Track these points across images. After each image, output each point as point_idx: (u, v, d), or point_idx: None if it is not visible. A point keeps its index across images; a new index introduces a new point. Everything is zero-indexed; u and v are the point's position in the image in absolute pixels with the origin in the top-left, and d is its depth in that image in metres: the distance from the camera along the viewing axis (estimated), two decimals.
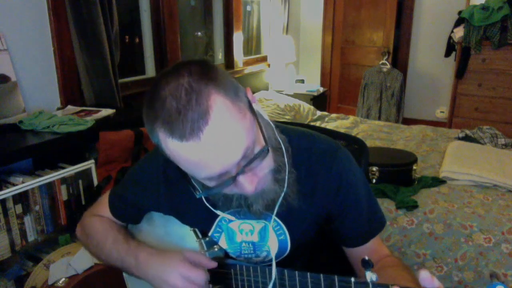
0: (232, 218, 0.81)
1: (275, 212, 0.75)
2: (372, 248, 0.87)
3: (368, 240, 0.87)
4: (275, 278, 0.73)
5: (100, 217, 0.97)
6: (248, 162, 0.64)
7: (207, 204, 0.78)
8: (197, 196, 0.69)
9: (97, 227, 0.93)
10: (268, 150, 0.66)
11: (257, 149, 0.66)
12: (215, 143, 0.60)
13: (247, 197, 0.72)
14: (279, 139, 0.75)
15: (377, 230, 0.88)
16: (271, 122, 0.75)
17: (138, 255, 0.84)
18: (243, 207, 0.74)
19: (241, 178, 0.65)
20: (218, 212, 0.78)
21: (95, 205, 1.00)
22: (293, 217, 0.83)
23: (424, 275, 0.57)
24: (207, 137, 0.59)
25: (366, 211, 0.86)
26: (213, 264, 0.80)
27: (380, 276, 0.78)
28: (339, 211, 0.84)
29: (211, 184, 0.68)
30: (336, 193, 0.82)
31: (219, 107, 0.60)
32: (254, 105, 0.70)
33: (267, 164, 0.69)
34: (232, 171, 0.64)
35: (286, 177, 0.74)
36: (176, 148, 0.62)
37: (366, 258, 0.59)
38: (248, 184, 0.66)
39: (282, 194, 0.74)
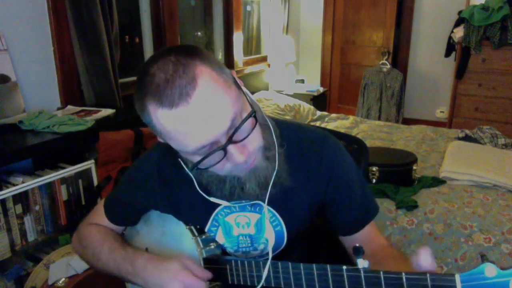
0: (226, 203, 0.81)
1: (268, 191, 0.75)
2: (368, 237, 0.88)
3: (361, 227, 0.87)
4: (269, 267, 0.73)
5: (96, 225, 0.96)
6: (237, 127, 0.65)
7: (200, 191, 0.79)
8: (188, 170, 0.70)
9: (93, 236, 0.93)
10: (255, 114, 0.67)
11: (244, 116, 0.67)
12: (203, 109, 0.62)
13: (240, 177, 0.73)
14: (265, 117, 0.76)
15: (370, 217, 0.88)
16: (256, 102, 0.76)
17: (135, 262, 0.83)
18: (237, 188, 0.75)
19: (231, 148, 0.66)
20: (212, 199, 0.79)
21: (91, 214, 1.00)
22: (288, 207, 0.84)
23: (422, 259, 0.57)
24: (195, 102, 0.61)
25: (359, 198, 0.86)
26: (208, 275, 0.80)
27: (380, 268, 0.79)
28: (332, 199, 0.85)
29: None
30: (328, 180, 0.83)
31: (205, 76, 0.63)
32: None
33: (255, 138, 0.70)
34: (221, 140, 0.65)
35: (277, 154, 0.75)
36: (166, 118, 0.63)
37: (357, 245, 0.60)
38: (238, 154, 0.66)
39: (275, 172, 0.75)
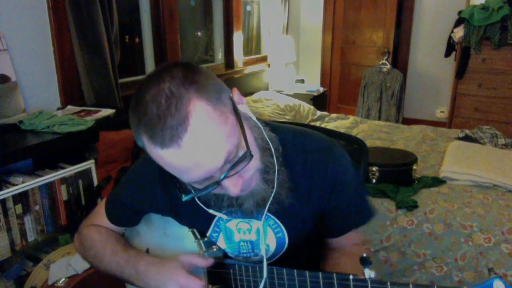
0: (225, 217, 0.80)
1: (265, 211, 0.75)
2: (348, 237, 0.90)
3: (348, 231, 0.89)
4: (266, 276, 0.74)
5: (97, 226, 0.96)
6: (231, 166, 0.64)
7: (200, 203, 0.78)
8: (183, 199, 0.69)
9: (94, 238, 0.93)
10: (250, 155, 0.65)
11: (240, 152, 0.66)
12: (196, 150, 0.60)
13: (238, 196, 0.72)
14: (267, 139, 0.75)
15: (361, 224, 0.90)
16: (258, 123, 0.75)
17: (138, 265, 0.84)
18: (234, 206, 0.75)
19: (226, 182, 0.65)
20: (211, 211, 0.78)
21: (91, 215, 1.00)
22: (290, 214, 0.83)
23: None
24: (187, 144, 0.60)
25: (354, 207, 0.87)
26: (209, 262, 0.80)
27: (326, 260, 0.84)
28: (331, 208, 0.85)
29: (197, 186, 0.68)
30: (331, 191, 0.83)
31: (199, 112, 0.60)
32: (240, 107, 0.69)
33: (253, 165, 0.69)
34: (215, 175, 0.65)
35: (276, 178, 0.74)
36: (158, 155, 0.62)
37: (365, 255, 0.60)
38: (232, 187, 0.66)
39: (272, 194, 0.74)
